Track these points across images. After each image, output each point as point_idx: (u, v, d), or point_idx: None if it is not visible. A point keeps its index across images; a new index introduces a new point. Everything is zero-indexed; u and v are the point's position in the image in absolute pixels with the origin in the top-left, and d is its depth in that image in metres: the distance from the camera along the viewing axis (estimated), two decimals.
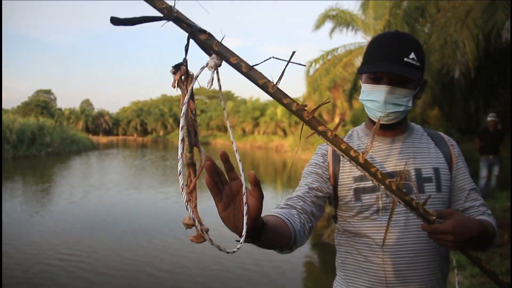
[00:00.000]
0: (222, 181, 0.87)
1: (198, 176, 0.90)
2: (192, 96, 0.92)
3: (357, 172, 1.45)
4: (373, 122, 1.48)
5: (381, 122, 1.40)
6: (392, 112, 1.38)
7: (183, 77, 0.90)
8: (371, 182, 1.40)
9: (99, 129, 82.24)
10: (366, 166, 1.02)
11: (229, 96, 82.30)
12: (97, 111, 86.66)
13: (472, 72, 7.93)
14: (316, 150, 1.58)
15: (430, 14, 9.52)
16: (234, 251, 0.88)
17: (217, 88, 0.95)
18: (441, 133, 1.59)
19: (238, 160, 0.91)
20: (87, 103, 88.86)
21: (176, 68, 0.89)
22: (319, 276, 6.82)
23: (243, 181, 0.89)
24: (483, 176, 8.83)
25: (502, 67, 10.82)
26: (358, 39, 29.94)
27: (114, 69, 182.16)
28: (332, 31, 18.12)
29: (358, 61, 18.30)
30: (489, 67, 10.43)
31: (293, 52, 0.95)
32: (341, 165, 1.49)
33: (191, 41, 0.90)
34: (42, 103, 54.36)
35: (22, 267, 6.68)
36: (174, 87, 0.90)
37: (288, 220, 1.22)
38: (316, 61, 20.28)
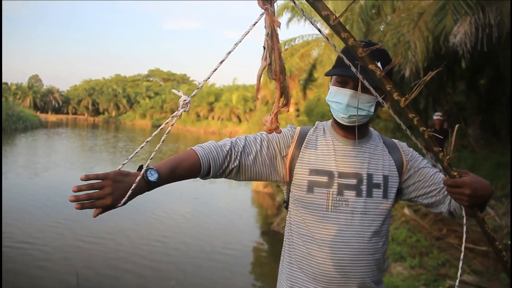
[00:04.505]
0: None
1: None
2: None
3: (314, 165, 1.52)
4: (337, 122, 1.54)
5: (344, 123, 1.50)
6: (354, 115, 1.46)
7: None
8: (325, 177, 1.50)
9: (48, 107, 79.22)
10: (405, 110, 1.13)
11: (184, 79, 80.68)
12: (47, 88, 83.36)
13: (421, 72, 8.22)
14: (286, 127, 1.61)
15: (386, 13, 9.79)
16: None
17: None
18: (395, 141, 1.67)
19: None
20: (35, 79, 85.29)
21: None
22: (266, 262, 7.03)
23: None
24: None
25: (450, 68, 11.28)
26: (316, 30, 30.27)
27: (65, 45, 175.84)
28: (289, 20, 18.18)
29: (315, 52, 18.47)
30: (438, 67, 10.82)
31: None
32: (300, 154, 1.54)
33: None
34: None
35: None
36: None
37: (205, 155, 1.39)
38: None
